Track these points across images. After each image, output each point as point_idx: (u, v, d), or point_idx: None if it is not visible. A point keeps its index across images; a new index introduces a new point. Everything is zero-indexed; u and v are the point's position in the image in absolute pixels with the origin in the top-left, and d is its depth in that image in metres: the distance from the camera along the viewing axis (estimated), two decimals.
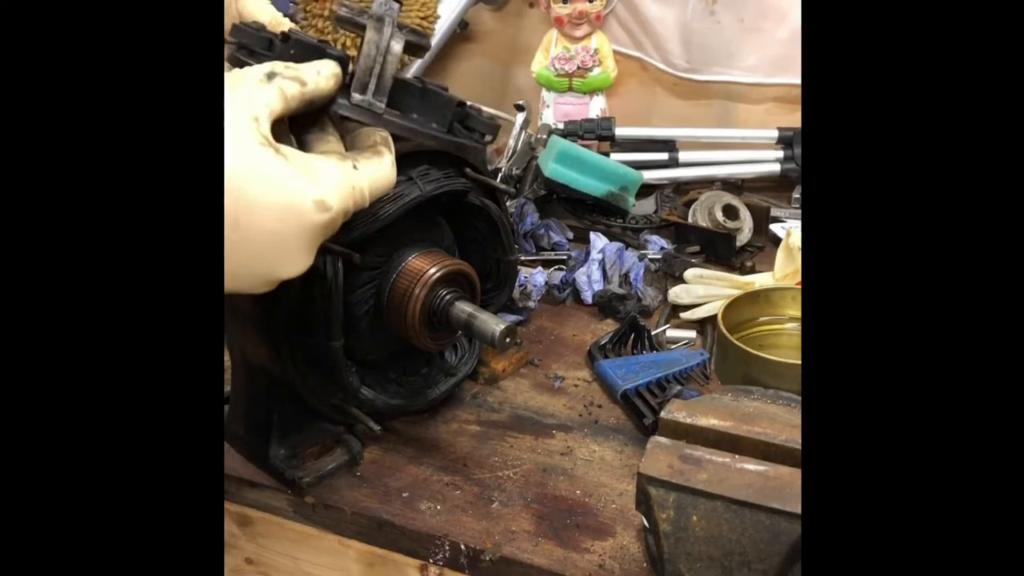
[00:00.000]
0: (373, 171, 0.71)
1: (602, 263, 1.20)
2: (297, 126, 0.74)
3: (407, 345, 0.91)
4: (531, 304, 1.14)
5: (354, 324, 0.87)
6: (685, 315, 1.14)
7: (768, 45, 1.47)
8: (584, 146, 1.35)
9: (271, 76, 0.67)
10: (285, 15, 1.56)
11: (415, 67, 1.57)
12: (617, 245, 1.21)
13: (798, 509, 0.68)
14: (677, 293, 1.15)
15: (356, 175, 0.69)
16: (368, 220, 0.85)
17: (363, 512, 0.87)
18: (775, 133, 1.45)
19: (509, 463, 0.92)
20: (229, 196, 0.61)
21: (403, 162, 0.88)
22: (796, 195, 1.40)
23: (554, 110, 1.54)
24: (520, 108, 1.39)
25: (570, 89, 1.52)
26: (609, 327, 1.13)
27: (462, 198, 0.93)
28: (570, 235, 1.31)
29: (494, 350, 0.99)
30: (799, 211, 1.36)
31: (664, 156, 1.46)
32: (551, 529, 0.84)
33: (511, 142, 1.38)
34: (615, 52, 1.54)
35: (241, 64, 0.76)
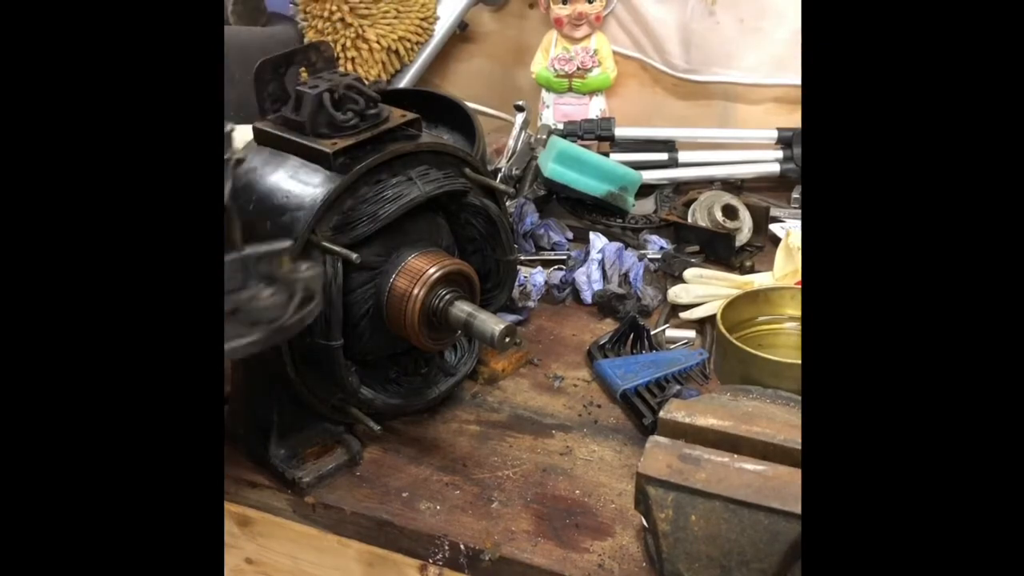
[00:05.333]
0: None
1: (602, 263, 1.20)
2: None
3: (407, 345, 0.91)
4: (531, 304, 1.14)
5: (354, 324, 0.87)
6: (684, 315, 1.14)
7: (768, 45, 1.47)
8: (584, 146, 1.35)
9: None
10: (285, 15, 1.56)
11: (413, 69, 1.56)
12: (617, 245, 1.21)
13: (797, 509, 0.68)
14: (676, 293, 1.15)
15: None
16: (368, 220, 0.85)
17: (363, 512, 0.87)
18: (774, 133, 1.45)
19: (509, 463, 0.93)
20: None
21: (403, 162, 0.88)
22: (795, 195, 1.39)
23: (554, 111, 1.53)
24: (520, 109, 1.39)
25: (570, 90, 1.52)
26: (608, 327, 1.13)
27: (461, 198, 0.93)
28: (570, 235, 1.31)
29: (493, 350, 0.99)
30: (798, 211, 1.36)
31: (664, 156, 1.46)
32: (550, 529, 0.84)
33: (511, 142, 1.37)
34: (615, 53, 1.54)
35: None
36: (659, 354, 1.06)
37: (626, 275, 1.18)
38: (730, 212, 1.30)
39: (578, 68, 1.50)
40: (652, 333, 1.10)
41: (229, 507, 0.93)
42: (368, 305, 0.88)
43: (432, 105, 1.31)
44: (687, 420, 0.78)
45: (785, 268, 1.13)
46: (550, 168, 1.29)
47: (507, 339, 0.83)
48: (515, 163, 1.35)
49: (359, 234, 0.84)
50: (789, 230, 1.15)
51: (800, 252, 1.11)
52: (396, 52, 1.51)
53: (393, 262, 0.87)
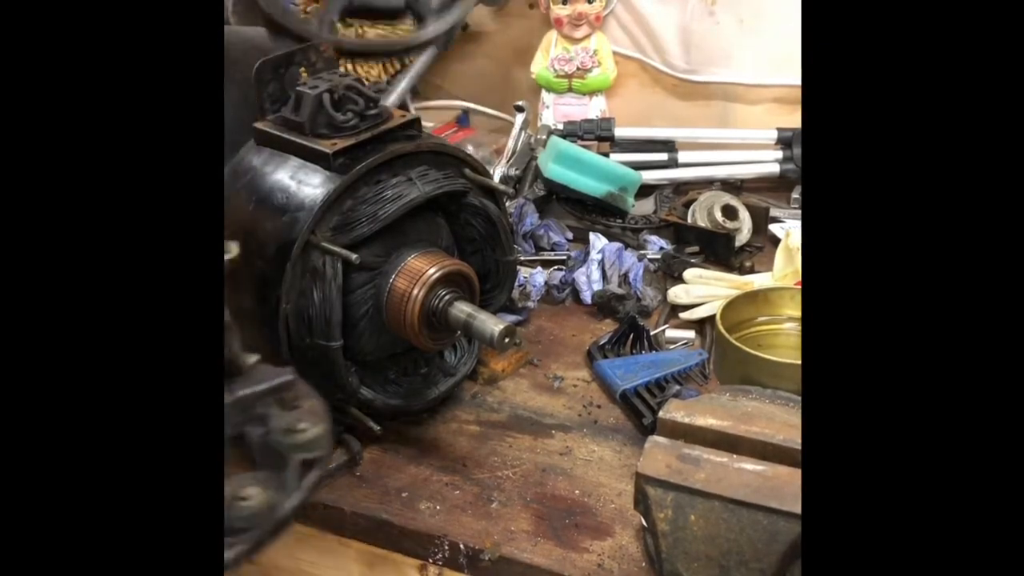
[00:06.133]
0: None
1: (601, 263, 1.20)
2: None
3: (407, 345, 0.91)
4: (530, 304, 1.14)
5: (353, 324, 0.87)
6: (684, 315, 1.14)
7: (768, 45, 1.47)
8: (584, 147, 1.35)
9: None
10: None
11: (414, 69, 1.56)
12: (616, 245, 1.21)
13: (796, 509, 0.68)
14: (676, 293, 1.15)
15: None
16: (368, 220, 0.85)
17: (363, 512, 0.87)
18: (774, 134, 1.45)
19: (508, 463, 0.93)
20: None
21: (403, 162, 0.89)
22: (795, 195, 1.39)
23: (554, 111, 1.54)
24: (520, 109, 1.39)
25: (570, 90, 1.52)
26: (608, 327, 1.13)
27: (461, 198, 0.94)
28: (570, 235, 1.31)
29: (493, 350, 0.99)
30: (798, 211, 1.36)
31: (663, 157, 1.46)
32: (550, 529, 0.84)
33: (511, 143, 1.38)
34: (615, 53, 1.54)
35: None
36: (659, 354, 1.06)
37: (626, 275, 1.18)
38: (730, 212, 1.30)
39: (578, 68, 1.50)
40: (652, 333, 1.10)
41: None
42: (368, 305, 0.88)
43: None
44: (686, 420, 0.78)
45: (785, 268, 1.13)
46: (550, 168, 1.29)
47: (507, 339, 0.83)
48: (515, 163, 1.35)
49: (359, 235, 0.84)
50: (789, 230, 1.15)
51: (800, 252, 1.11)
52: None
53: (393, 263, 0.88)
